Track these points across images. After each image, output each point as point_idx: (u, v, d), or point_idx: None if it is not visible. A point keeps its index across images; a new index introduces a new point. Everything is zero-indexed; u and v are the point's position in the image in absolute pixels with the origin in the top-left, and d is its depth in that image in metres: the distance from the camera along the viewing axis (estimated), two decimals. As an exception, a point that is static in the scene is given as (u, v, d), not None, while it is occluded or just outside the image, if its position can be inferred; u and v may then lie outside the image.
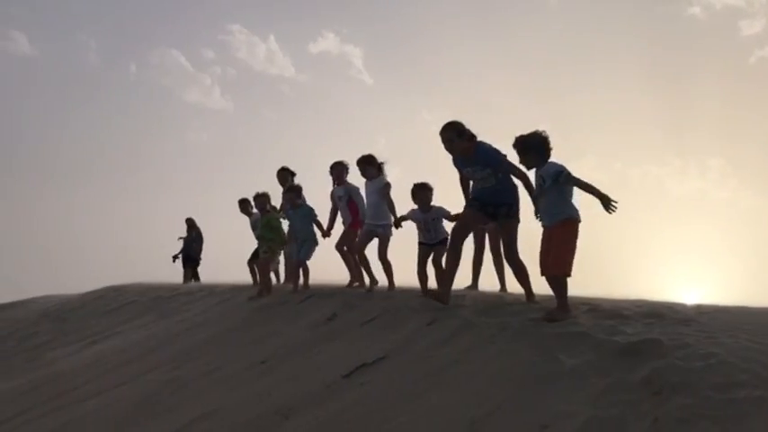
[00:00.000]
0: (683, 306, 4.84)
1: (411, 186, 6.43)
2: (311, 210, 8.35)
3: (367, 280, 7.59)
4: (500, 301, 5.41)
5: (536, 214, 5.04)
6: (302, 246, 8.36)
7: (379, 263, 7.39)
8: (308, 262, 8.37)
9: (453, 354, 4.20)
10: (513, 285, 7.05)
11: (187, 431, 4.50)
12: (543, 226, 4.75)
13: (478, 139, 5.53)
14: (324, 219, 8.24)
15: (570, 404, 3.04)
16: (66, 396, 6.84)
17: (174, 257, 16.12)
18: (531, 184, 5.41)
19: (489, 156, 5.47)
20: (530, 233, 5.25)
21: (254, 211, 9.63)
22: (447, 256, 5.57)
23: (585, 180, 4.56)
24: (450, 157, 5.70)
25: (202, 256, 16.42)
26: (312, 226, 8.27)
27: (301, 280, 8.33)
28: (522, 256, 5.51)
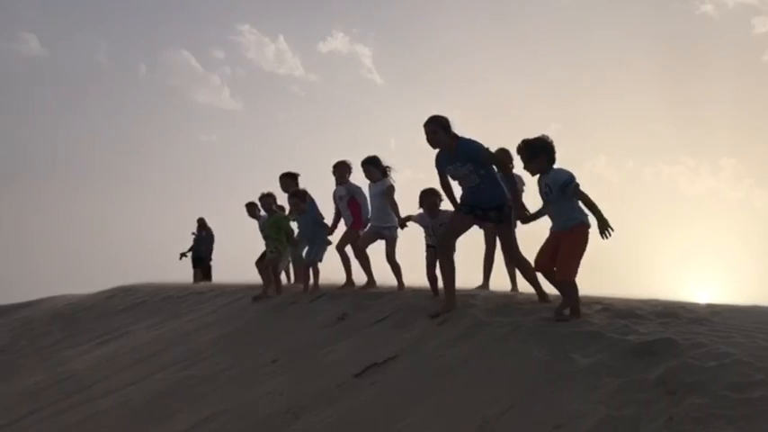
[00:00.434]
0: (696, 305, 4.80)
1: (419, 191, 6.37)
2: (315, 215, 8.31)
3: (355, 280, 7.57)
4: (511, 300, 5.38)
5: (524, 220, 5.04)
6: (312, 246, 8.35)
7: (387, 265, 7.38)
8: (319, 263, 8.36)
9: (465, 353, 4.18)
10: (525, 285, 7.03)
11: (198, 430, 4.51)
12: (552, 230, 4.70)
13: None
14: (330, 220, 8.23)
15: (584, 404, 3.01)
16: (78, 395, 6.87)
17: (183, 255, 16.16)
18: (515, 187, 5.40)
19: (471, 148, 5.33)
20: (531, 234, 5.23)
21: (262, 213, 9.61)
22: (441, 266, 5.45)
23: (591, 198, 4.51)
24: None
25: (214, 255, 16.44)
26: (321, 227, 8.25)
27: (311, 280, 8.33)
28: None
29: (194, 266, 16.33)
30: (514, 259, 5.51)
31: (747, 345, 3.32)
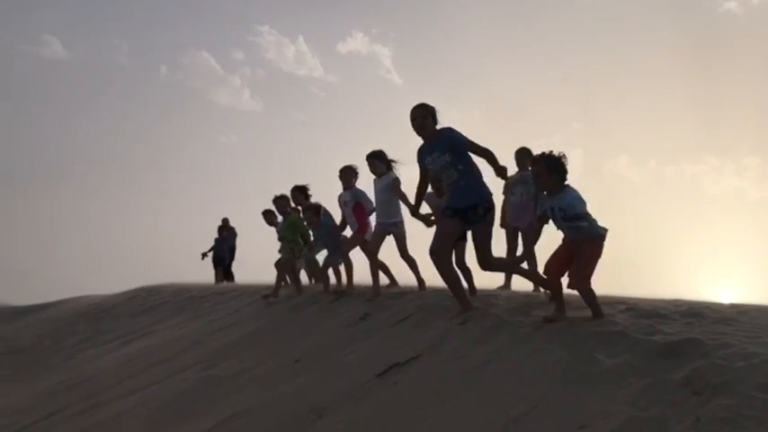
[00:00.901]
0: (721, 305, 4.75)
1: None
2: (330, 227, 8.29)
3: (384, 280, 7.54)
4: (534, 300, 5.35)
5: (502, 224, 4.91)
6: (332, 255, 8.38)
7: (401, 263, 7.34)
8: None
9: (487, 353, 4.17)
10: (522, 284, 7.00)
11: (221, 429, 4.53)
12: (569, 238, 4.64)
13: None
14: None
15: (609, 404, 2.99)
16: (102, 394, 6.94)
17: (204, 254, 16.28)
18: (495, 159, 5.17)
19: (452, 135, 5.21)
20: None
21: (280, 219, 9.62)
22: (442, 277, 5.27)
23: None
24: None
25: (237, 255, 16.52)
26: (337, 237, 8.22)
27: (333, 279, 8.36)
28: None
29: (215, 267, 16.45)
30: (488, 265, 5.23)
31: (775, 345, 3.27)
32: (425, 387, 3.96)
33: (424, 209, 6.19)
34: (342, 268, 8.27)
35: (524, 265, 6.03)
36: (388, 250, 7.55)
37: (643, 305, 4.70)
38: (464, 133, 5.24)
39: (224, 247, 16.32)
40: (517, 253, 7.31)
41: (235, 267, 16.57)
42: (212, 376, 6.01)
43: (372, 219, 7.59)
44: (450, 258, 5.32)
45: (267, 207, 10.04)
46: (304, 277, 9.96)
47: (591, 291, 4.39)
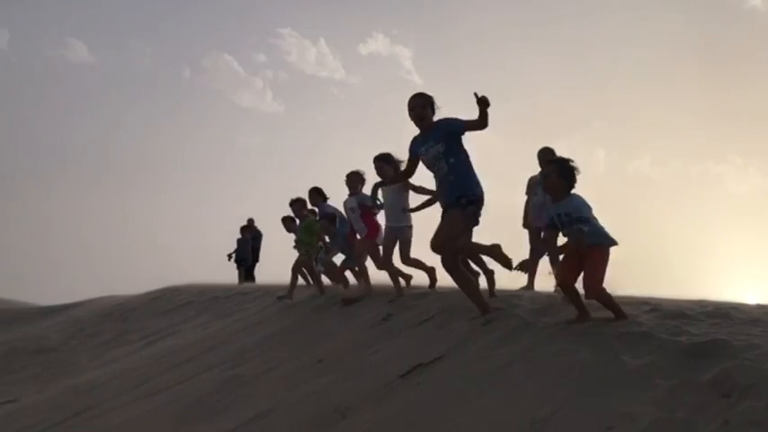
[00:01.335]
0: (747, 306, 4.69)
1: None
2: (346, 235, 8.30)
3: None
4: (557, 301, 5.33)
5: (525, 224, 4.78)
6: (348, 260, 8.43)
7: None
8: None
9: (511, 354, 4.16)
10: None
11: (246, 428, 4.57)
12: (571, 244, 4.61)
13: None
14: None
15: (635, 406, 2.97)
16: (128, 393, 7.04)
17: (230, 256, 16.46)
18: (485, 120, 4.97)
19: (448, 123, 5.11)
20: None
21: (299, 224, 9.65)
22: (456, 281, 5.19)
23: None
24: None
25: (260, 256, 16.64)
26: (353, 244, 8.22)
27: (353, 280, 8.40)
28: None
29: (238, 267, 16.60)
30: (436, 250, 5.10)
31: (805, 346, 3.24)
32: (449, 388, 3.97)
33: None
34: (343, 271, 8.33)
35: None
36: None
37: (668, 306, 4.66)
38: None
39: (246, 248, 16.46)
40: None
41: (257, 267, 16.71)
42: (236, 376, 6.06)
43: (380, 218, 7.56)
44: (458, 257, 5.22)
45: (288, 208, 10.12)
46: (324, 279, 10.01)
47: (606, 295, 4.36)
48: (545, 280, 7.00)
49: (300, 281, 10.14)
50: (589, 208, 4.47)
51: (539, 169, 7.40)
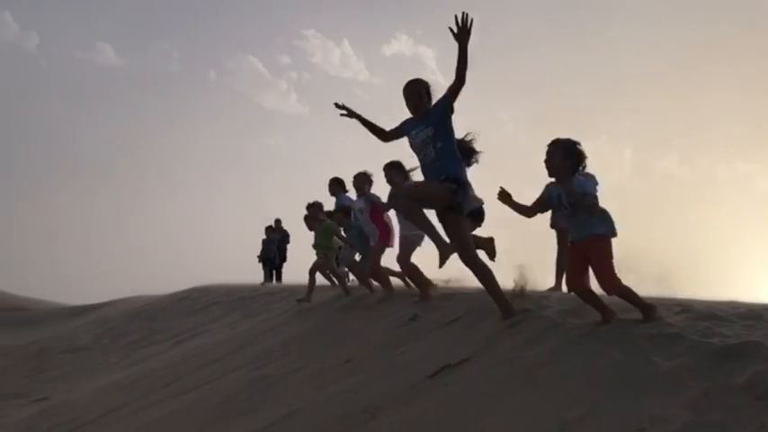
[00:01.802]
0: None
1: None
2: (360, 229, 8.27)
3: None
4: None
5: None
6: (364, 260, 8.43)
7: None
8: None
9: (539, 355, 4.14)
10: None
11: (276, 428, 4.61)
12: (572, 241, 4.55)
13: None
14: None
15: (666, 408, 2.95)
16: (158, 392, 7.12)
17: (260, 257, 16.66)
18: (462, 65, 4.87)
19: (437, 106, 5.08)
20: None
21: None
22: (475, 274, 5.14)
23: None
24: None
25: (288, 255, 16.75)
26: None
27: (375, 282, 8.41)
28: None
29: (264, 267, 16.74)
30: (466, 263, 5.07)
31: (841, 349, 3.18)
32: (478, 389, 3.96)
33: None
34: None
35: None
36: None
37: (698, 307, 4.60)
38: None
39: (271, 248, 16.58)
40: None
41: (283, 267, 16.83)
42: (265, 376, 6.11)
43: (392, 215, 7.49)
44: (474, 251, 5.22)
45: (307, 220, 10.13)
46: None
47: (625, 289, 4.28)
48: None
49: (326, 281, 10.19)
50: (595, 182, 4.34)
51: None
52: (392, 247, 7.56)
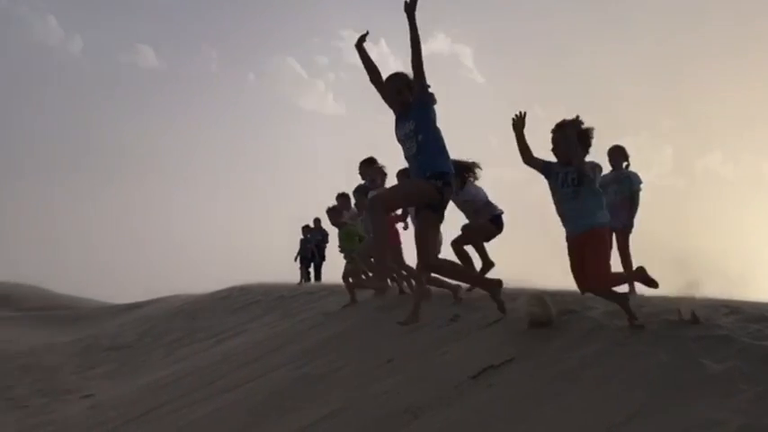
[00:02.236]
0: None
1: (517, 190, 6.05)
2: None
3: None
4: (631, 302, 5.22)
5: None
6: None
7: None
8: None
9: (584, 357, 4.10)
10: (643, 287, 6.78)
11: (319, 427, 4.63)
12: (568, 237, 4.49)
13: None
14: None
15: (718, 411, 2.89)
16: (201, 390, 7.21)
17: (297, 256, 16.82)
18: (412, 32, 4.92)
19: (416, 96, 5.02)
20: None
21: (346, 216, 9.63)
22: (443, 275, 5.30)
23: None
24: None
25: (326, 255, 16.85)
26: None
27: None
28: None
29: (300, 266, 16.89)
30: (426, 269, 5.12)
31: None
32: (522, 390, 3.94)
33: None
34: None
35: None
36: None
37: (748, 308, 4.51)
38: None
39: (308, 247, 16.72)
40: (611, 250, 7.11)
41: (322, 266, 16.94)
42: (306, 375, 6.14)
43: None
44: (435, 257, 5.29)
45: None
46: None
47: (605, 290, 4.28)
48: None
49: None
50: (599, 170, 4.35)
51: (609, 168, 7.26)
52: (398, 245, 7.53)
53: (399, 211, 7.38)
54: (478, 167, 6.29)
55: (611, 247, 4.46)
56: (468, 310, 6.32)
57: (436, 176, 4.92)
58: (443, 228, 6.30)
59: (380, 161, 7.89)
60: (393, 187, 5.16)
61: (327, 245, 16.73)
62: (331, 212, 9.65)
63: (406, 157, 5.18)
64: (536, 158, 4.65)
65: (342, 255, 9.43)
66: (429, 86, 5.12)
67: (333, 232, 16.48)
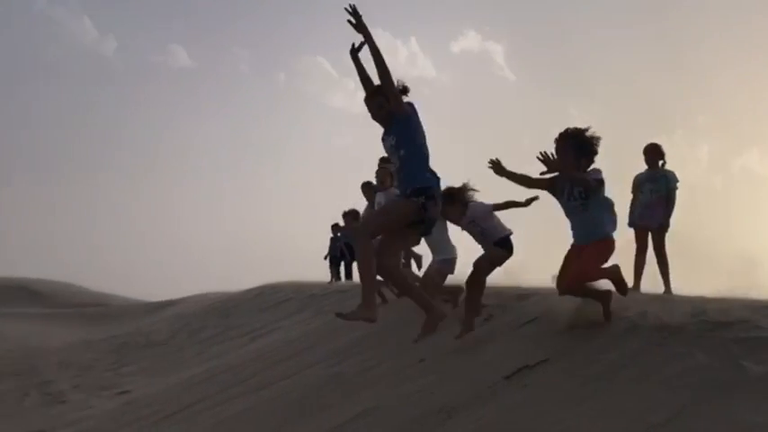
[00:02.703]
0: None
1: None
2: None
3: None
4: (666, 302, 5.15)
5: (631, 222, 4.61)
6: None
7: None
8: None
9: (620, 357, 4.05)
10: (680, 287, 6.70)
11: (352, 425, 4.66)
12: (574, 243, 4.44)
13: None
14: None
15: (760, 414, 2.84)
16: (235, 388, 7.30)
17: (326, 255, 16.83)
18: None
19: (395, 111, 4.86)
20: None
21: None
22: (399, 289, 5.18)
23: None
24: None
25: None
26: None
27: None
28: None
29: (330, 265, 16.92)
30: (386, 270, 4.96)
31: None
32: (557, 391, 3.91)
33: None
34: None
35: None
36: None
37: (790, 310, 4.41)
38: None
39: (338, 245, 16.76)
40: (646, 253, 7.03)
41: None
42: (339, 373, 6.17)
43: None
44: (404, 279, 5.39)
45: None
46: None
47: (581, 289, 4.37)
48: (652, 282, 6.79)
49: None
50: (603, 186, 4.31)
51: (644, 166, 7.19)
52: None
53: None
54: (472, 189, 5.97)
55: (611, 253, 4.42)
56: (501, 310, 6.29)
57: (417, 193, 4.78)
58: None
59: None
60: (376, 213, 5.05)
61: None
62: (347, 217, 9.70)
63: (392, 172, 5.12)
64: (537, 180, 4.57)
65: None
66: (405, 98, 5.02)
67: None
